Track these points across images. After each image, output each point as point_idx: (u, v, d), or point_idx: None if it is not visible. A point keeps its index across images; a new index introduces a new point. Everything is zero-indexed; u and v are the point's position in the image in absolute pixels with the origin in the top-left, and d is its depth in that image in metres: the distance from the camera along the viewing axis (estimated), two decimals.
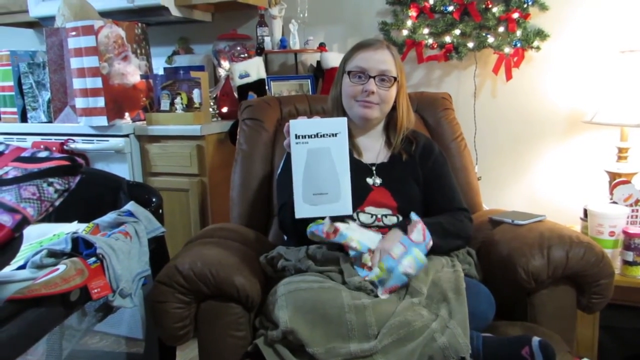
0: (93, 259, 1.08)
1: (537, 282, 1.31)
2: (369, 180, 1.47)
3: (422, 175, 1.50)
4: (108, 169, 2.15)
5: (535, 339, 1.12)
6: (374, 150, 1.53)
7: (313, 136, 1.15)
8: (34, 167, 0.88)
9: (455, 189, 1.54)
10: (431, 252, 1.29)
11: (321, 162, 1.15)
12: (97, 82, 2.16)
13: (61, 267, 0.97)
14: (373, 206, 1.43)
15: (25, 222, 0.83)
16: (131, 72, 2.30)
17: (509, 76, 2.27)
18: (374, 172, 1.49)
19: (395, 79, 1.45)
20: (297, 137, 1.15)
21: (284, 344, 1.16)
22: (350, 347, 1.11)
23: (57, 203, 0.89)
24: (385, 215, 1.43)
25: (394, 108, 1.51)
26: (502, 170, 2.41)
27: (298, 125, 1.16)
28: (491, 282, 1.37)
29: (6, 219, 0.81)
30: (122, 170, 2.25)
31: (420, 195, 1.49)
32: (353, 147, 1.49)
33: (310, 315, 1.14)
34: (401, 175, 1.49)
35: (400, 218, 1.43)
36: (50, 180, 0.87)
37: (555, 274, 1.31)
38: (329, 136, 1.15)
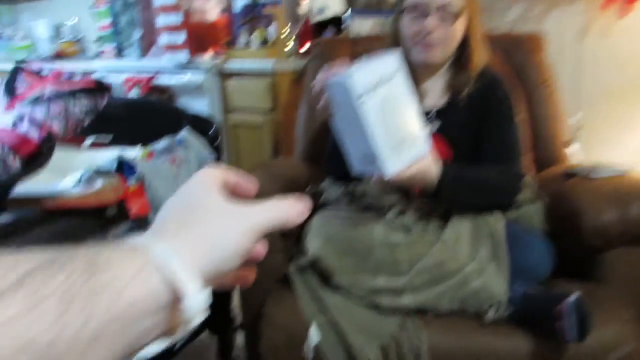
0: (134, 180, 1.13)
1: (606, 239, 1.16)
2: None
3: (478, 119, 1.30)
4: (190, 104, 2.23)
5: (573, 296, 0.99)
6: (435, 92, 1.35)
7: (373, 88, 0.98)
8: (65, 87, 0.92)
9: (511, 146, 1.29)
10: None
11: (389, 111, 1.00)
12: (178, 18, 2.23)
13: (97, 184, 1.02)
14: None
15: (51, 138, 0.87)
16: (211, 8, 2.33)
17: (623, 12, 1.97)
18: (432, 119, 1.32)
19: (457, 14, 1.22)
20: (359, 96, 0.96)
21: (314, 274, 1.16)
22: (377, 281, 1.09)
23: (85, 122, 0.92)
24: None
25: (463, 44, 1.29)
26: (609, 121, 2.13)
27: (356, 83, 0.95)
28: (558, 237, 1.25)
29: (34, 135, 0.86)
30: (203, 105, 2.32)
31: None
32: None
33: (340, 245, 1.13)
34: (459, 121, 1.31)
35: None
36: (77, 99, 0.90)
37: (629, 233, 1.15)
38: (388, 80, 0.99)
